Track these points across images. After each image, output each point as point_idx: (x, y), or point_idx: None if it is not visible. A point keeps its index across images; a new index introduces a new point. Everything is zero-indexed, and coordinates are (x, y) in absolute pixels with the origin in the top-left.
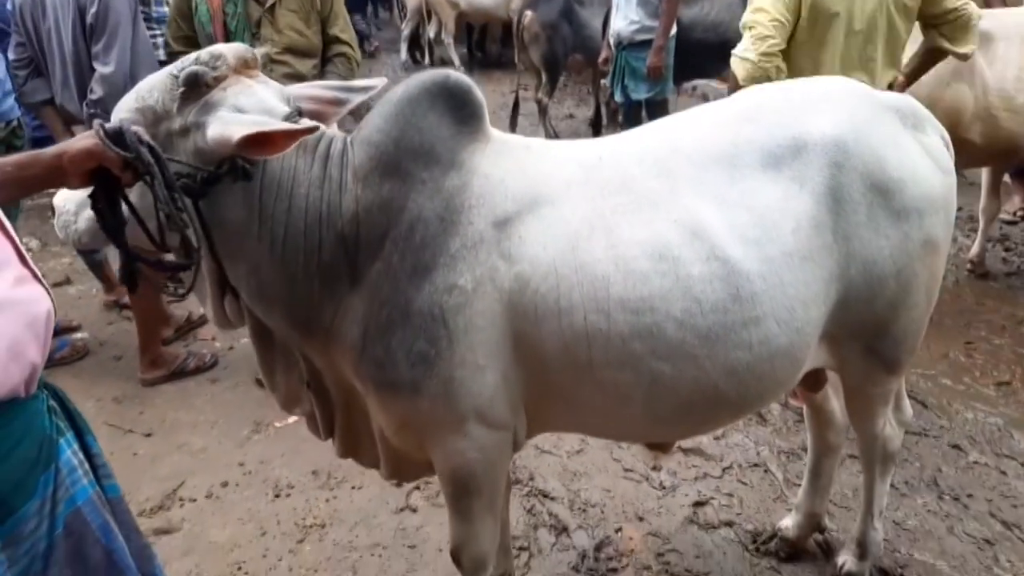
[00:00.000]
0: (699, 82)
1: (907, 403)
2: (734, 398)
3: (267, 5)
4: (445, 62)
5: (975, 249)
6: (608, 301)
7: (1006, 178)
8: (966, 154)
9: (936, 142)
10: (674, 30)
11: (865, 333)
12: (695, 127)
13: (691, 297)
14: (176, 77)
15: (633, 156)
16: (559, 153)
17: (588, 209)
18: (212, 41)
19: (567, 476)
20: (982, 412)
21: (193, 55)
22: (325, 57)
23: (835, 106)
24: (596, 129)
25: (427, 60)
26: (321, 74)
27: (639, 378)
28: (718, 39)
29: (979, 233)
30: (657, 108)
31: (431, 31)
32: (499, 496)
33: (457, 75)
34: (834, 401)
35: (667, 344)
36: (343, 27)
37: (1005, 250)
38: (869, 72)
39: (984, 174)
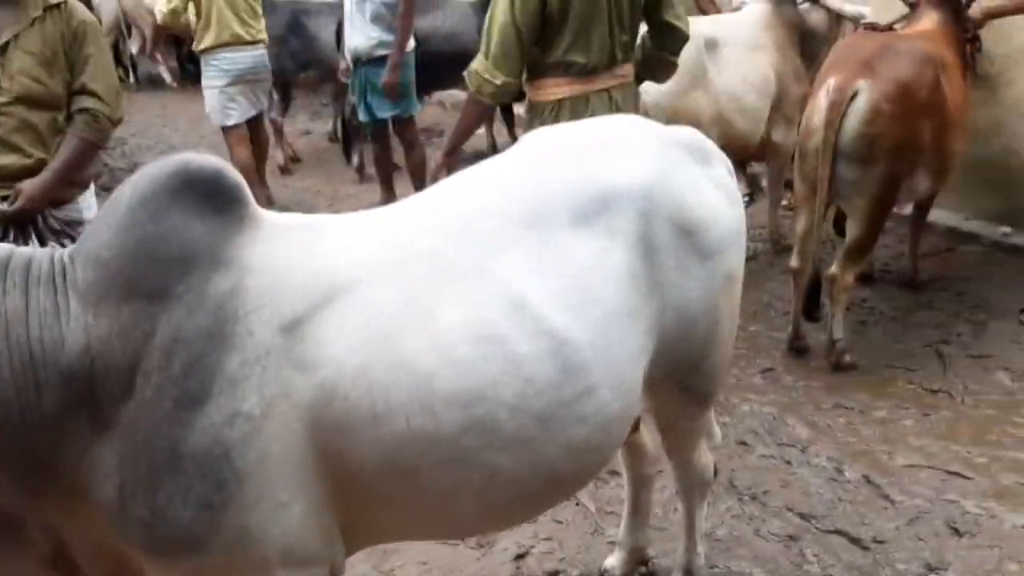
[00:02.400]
0: (441, 93)
1: (716, 427)
2: (572, 475)
3: None
4: (154, 80)
5: None
6: (433, 398)
7: None
8: None
9: (723, 174)
10: (412, 44)
11: (679, 373)
12: (497, 185)
13: (523, 378)
14: None
15: (438, 224)
16: (352, 228)
17: (397, 293)
18: None
19: (376, 555)
20: (756, 403)
21: None
22: (69, 112)
23: (634, 151)
24: (346, 147)
25: (132, 78)
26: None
27: (473, 474)
28: (455, 49)
29: None
30: (405, 126)
31: (133, 46)
32: None
33: (199, 158)
34: (645, 433)
35: (502, 434)
36: (96, 76)
37: None
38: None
39: None
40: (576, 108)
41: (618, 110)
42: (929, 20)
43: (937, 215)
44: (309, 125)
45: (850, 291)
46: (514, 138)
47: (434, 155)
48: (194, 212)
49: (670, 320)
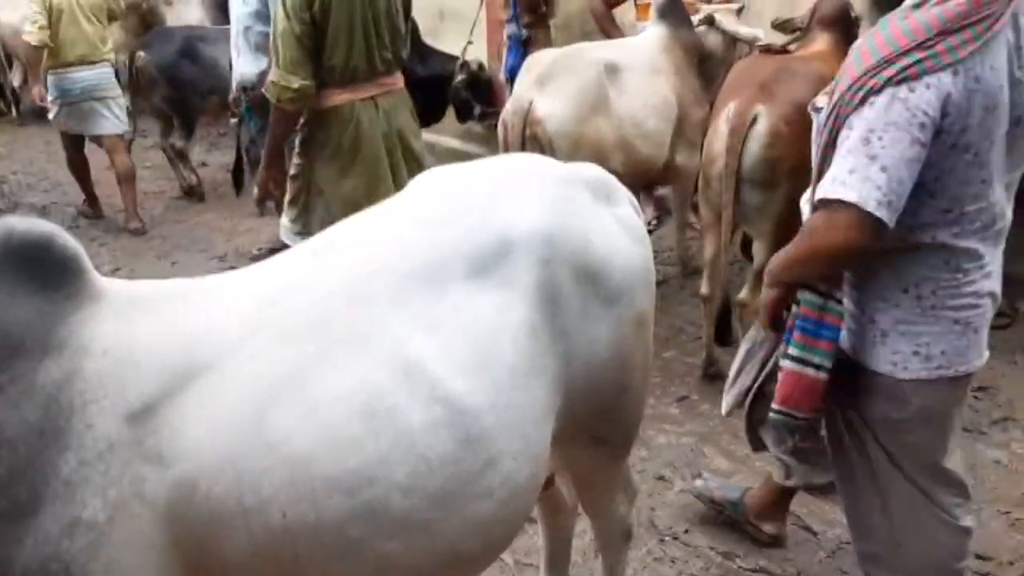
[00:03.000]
0: None
1: (633, 475)
2: (478, 554)
3: None
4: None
5: None
6: (312, 485)
7: None
8: None
9: (627, 211)
10: None
11: (591, 426)
12: (385, 236)
13: (416, 455)
14: None
15: (318, 283)
16: (218, 292)
17: (270, 366)
18: None
19: None
20: (673, 434)
21: None
22: None
23: (532, 193)
24: (237, 179)
25: (14, 112)
26: None
27: (363, 565)
28: None
29: None
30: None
31: (15, 78)
32: None
33: (25, 223)
34: (561, 483)
35: (393, 519)
36: None
37: None
38: None
39: None
40: (342, 115)
41: (386, 117)
42: (822, 41)
43: None
44: (206, 156)
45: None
46: None
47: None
48: (18, 288)
49: (578, 372)
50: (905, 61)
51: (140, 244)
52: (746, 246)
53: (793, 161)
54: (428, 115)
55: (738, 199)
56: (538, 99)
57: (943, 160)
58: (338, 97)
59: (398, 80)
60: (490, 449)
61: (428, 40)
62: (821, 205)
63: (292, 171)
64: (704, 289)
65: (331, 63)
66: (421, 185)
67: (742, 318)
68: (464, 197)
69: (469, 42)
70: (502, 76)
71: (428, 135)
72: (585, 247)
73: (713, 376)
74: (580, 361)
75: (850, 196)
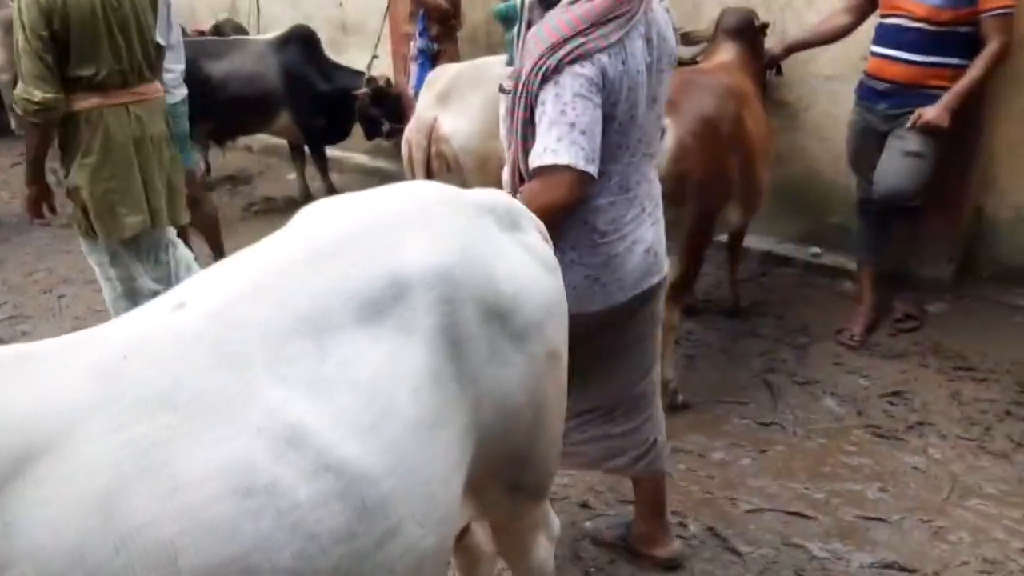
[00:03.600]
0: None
1: (553, 516)
2: None
3: None
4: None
5: None
6: None
7: None
8: None
9: (536, 239)
10: (183, 94)
11: (506, 472)
12: (260, 281)
13: (304, 534)
14: None
15: (182, 341)
16: (61, 357)
17: (121, 444)
18: None
19: None
20: None
21: None
22: None
23: (430, 225)
24: None
25: None
26: None
27: None
28: (255, 92)
29: None
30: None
31: None
32: None
33: None
34: (478, 530)
35: None
36: None
37: None
38: None
39: None
40: (91, 119)
41: (139, 123)
42: (727, 52)
43: (750, 240)
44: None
45: (677, 328)
46: (328, 183)
47: (233, 203)
48: None
49: (488, 417)
50: (573, 44)
51: (23, 278)
52: None
53: (701, 175)
54: (334, 132)
55: None
56: (442, 115)
57: None
58: (86, 102)
59: (153, 89)
60: (390, 517)
61: (331, 54)
62: (538, 172)
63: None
64: None
65: (77, 74)
66: (305, 219)
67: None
68: (352, 232)
69: (374, 56)
70: (411, 91)
71: (336, 151)
72: (491, 282)
73: None
74: (491, 406)
75: (563, 159)
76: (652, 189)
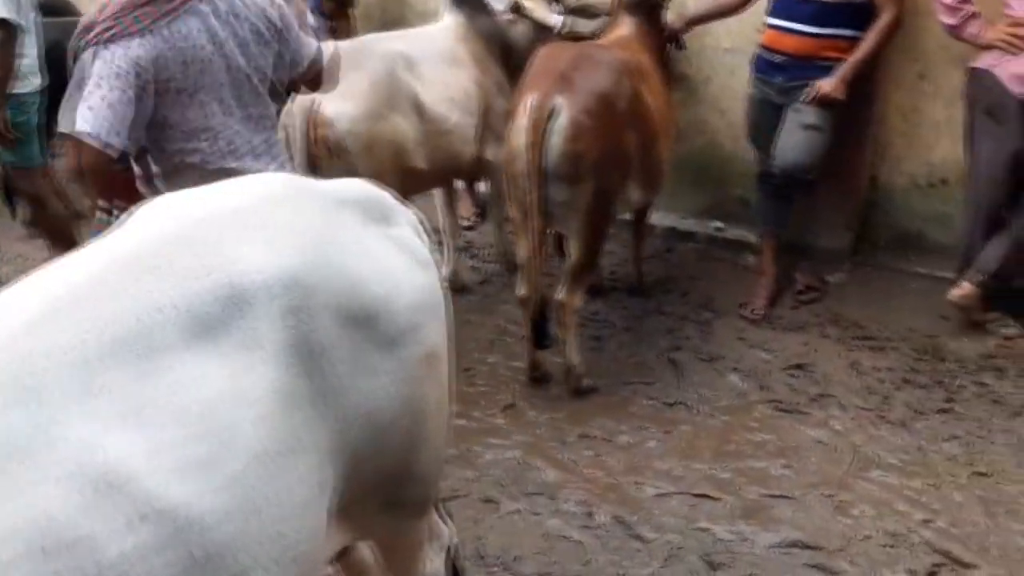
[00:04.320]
0: None
1: (442, 525)
2: None
3: None
4: None
5: (447, 268)
6: None
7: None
8: (416, 181)
9: (408, 233)
10: (37, 84)
11: (383, 490)
12: (67, 299)
13: None
14: None
15: None
16: None
17: None
18: None
19: None
20: (499, 447)
21: None
22: None
23: (277, 225)
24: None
25: None
26: None
27: None
28: None
29: (447, 250)
30: (28, 179)
31: None
32: None
33: None
34: (363, 549)
35: None
36: None
37: (472, 257)
38: None
39: (437, 194)
40: None
41: None
42: (625, 26)
43: (655, 216)
44: None
45: (580, 310)
46: None
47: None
48: None
49: (357, 434)
50: (101, 27)
51: None
52: (560, 243)
53: (598, 154)
54: None
55: (545, 196)
56: (324, 98)
57: (170, 102)
58: None
59: None
60: (231, 567)
61: None
62: (74, 136)
63: None
64: (521, 291)
65: None
66: (134, 221)
67: (562, 320)
68: (181, 236)
69: None
70: None
71: None
72: (352, 284)
73: (539, 379)
74: (361, 422)
75: (87, 128)
76: (271, 149)
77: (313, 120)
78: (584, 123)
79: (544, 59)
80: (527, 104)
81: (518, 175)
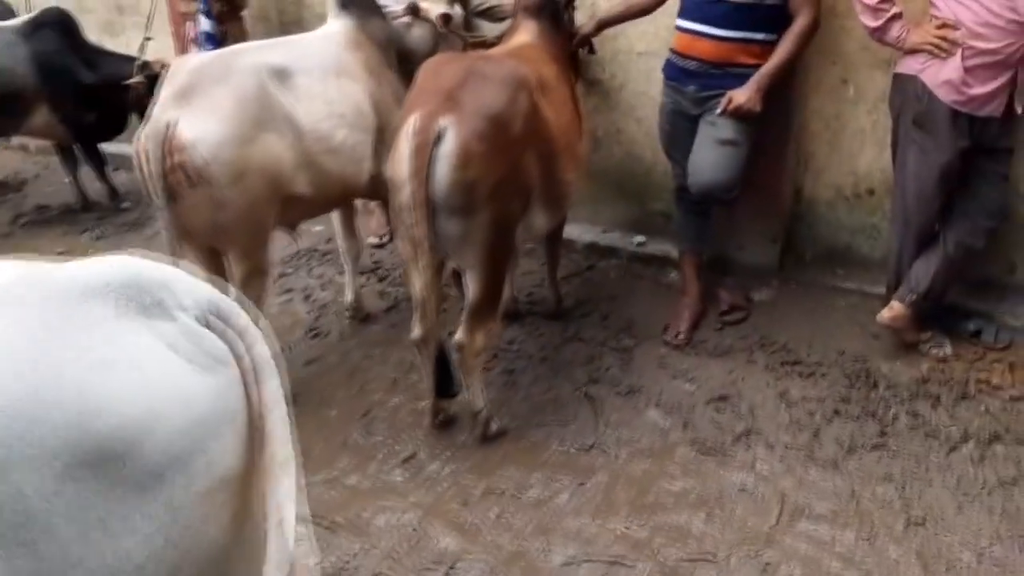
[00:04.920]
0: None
1: None
2: None
3: None
4: None
5: (349, 295)
6: None
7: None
8: (303, 208)
9: (188, 324)
10: None
11: None
12: None
13: None
14: None
15: None
16: None
17: None
18: None
19: None
20: (395, 511)
21: None
22: None
23: None
24: None
25: None
26: None
27: None
28: (2, 89)
29: (348, 276)
30: None
31: None
32: None
33: None
34: None
35: None
36: None
37: (380, 280)
38: None
39: (334, 217)
40: None
41: None
42: (526, 32)
43: (575, 231)
44: None
45: (486, 350)
46: (107, 184)
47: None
48: None
49: None
50: None
51: None
52: (458, 276)
53: (493, 181)
54: (107, 126)
55: (435, 229)
56: (182, 119)
57: None
58: None
59: None
60: None
61: (107, 37)
62: None
63: None
64: (416, 332)
65: None
66: None
67: (463, 363)
68: None
69: (147, 38)
70: None
71: (114, 147)
72: (81, 417)
73: (443, 424)
74: None
75: None
76: None
77: (169, 145)
78: (475, 147)
79: (428, 74)
80: (410, 125)
81: (404, 207)
